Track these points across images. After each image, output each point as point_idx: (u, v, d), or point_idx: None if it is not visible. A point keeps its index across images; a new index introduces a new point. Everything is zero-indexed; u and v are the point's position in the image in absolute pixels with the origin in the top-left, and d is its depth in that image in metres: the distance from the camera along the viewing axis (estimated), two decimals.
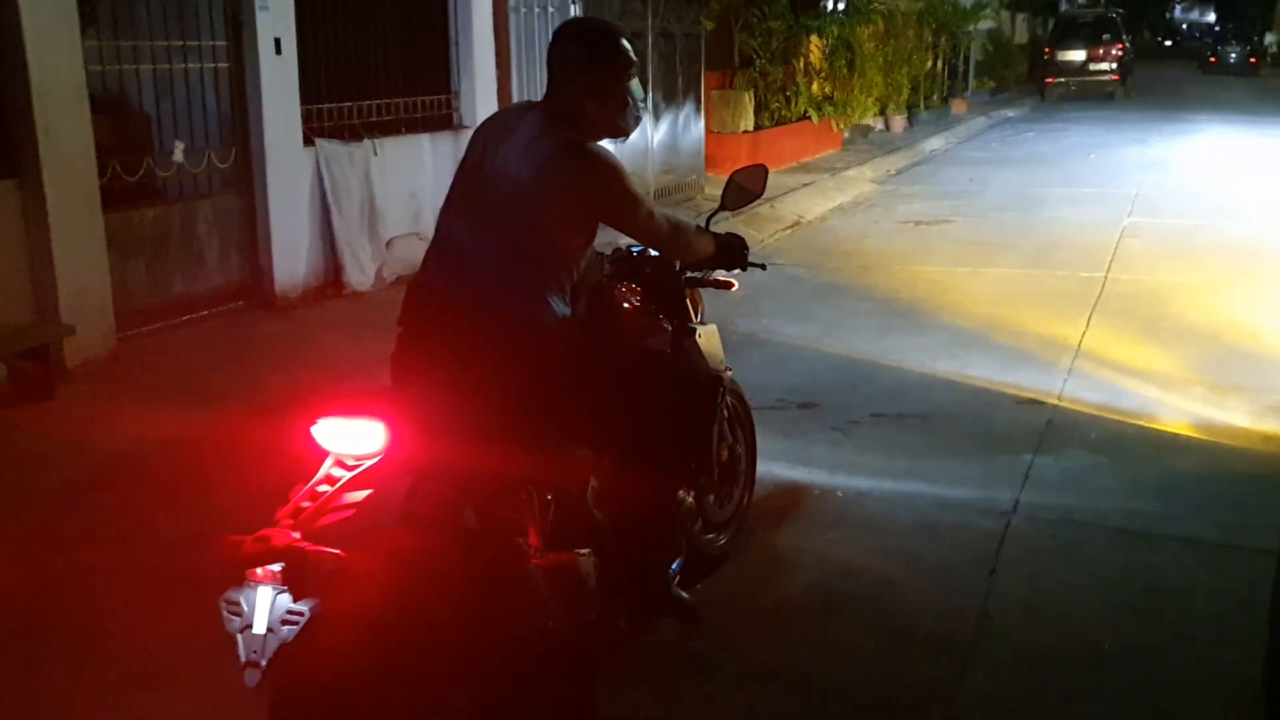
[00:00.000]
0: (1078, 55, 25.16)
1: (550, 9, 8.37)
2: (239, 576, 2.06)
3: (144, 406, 4.91)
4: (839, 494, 4.19)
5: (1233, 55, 37.38)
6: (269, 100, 6.41)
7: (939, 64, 20.94)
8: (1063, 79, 25.46)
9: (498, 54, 8.45)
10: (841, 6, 13.83)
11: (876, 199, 11.63)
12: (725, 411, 3.44)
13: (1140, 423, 4.89)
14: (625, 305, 3.13)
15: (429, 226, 7.75)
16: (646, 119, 9.51)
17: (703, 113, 10.71)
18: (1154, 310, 6.75)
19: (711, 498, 3.43)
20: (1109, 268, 7.91)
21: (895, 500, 4.14)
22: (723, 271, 3.33)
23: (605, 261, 3.12)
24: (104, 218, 5.54)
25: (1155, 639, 3.19)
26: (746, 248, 3.26)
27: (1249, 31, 43.26)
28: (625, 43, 2.84)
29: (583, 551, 2.71)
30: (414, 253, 7.54)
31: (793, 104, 13.38)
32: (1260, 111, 21.88)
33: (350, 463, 2.25)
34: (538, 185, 2.64)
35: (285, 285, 6.68)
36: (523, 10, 8.46)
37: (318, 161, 6.83)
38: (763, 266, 3.45)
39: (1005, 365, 5.71)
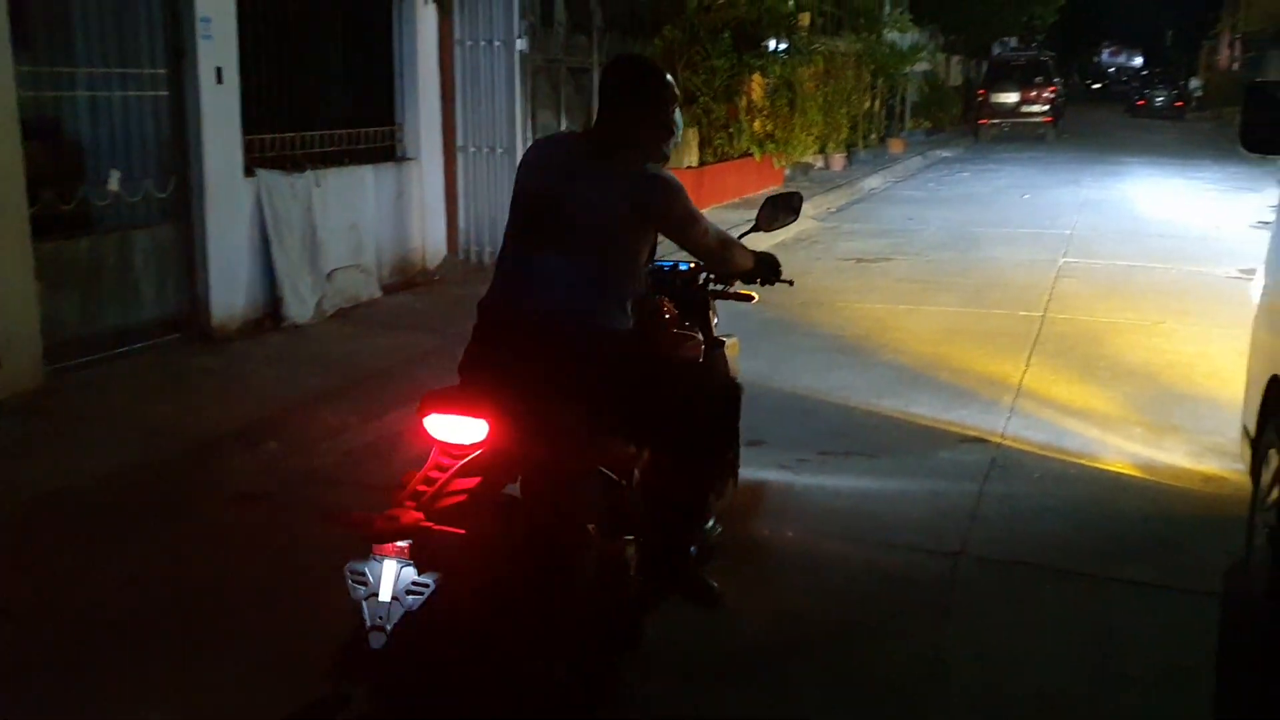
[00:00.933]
0: (1011, 97, 25.78)
1: (496, 42, 8.35)
2: (363, 550, 2.28)
3: (70, 442, 4.75)
4: (789, 534, 4.17)
5: (1159, 99, 38.60)
6: (209, 130, 6.29)
7: (877, 104, 21.31)
8: (996, 120, 26.06)
9: (443, 87, 8.42)
10: (783, 46, 13.99)
11: (818, 236, 11.75)
12: None
13: (1083, 462, 4.94)
14: (666, 316, 3.33)
15: (372, 258, 7.75)
16: None
17: None
18: (1091, 350, 6.86)
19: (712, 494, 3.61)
20: (1046, 307, 8.04)
21: (845, 540, 4.12)
22: (742, 285, 3.63)
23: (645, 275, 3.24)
24: (34, 247, 5.37)
25: (1105, 684, 3.20)
26: (779, 265, 3.57)
27: (1175, 76, 44.73)
28: (670, 77, 3.16)
29: (628, 539, 2.96)
30: (355, 285, 7.47)
31: (735, 141, 13.49)
32: (1187, 155, 22.56)
33: (456, 452, 2.52)
34: (619, 209, 2.91)
35: (223, 317, 6.53)
36: (468, 44, 8.43)
37: (258, 192, 6.72)
38: (790, 283, 3.69)
39: (949, 403, 5.76)
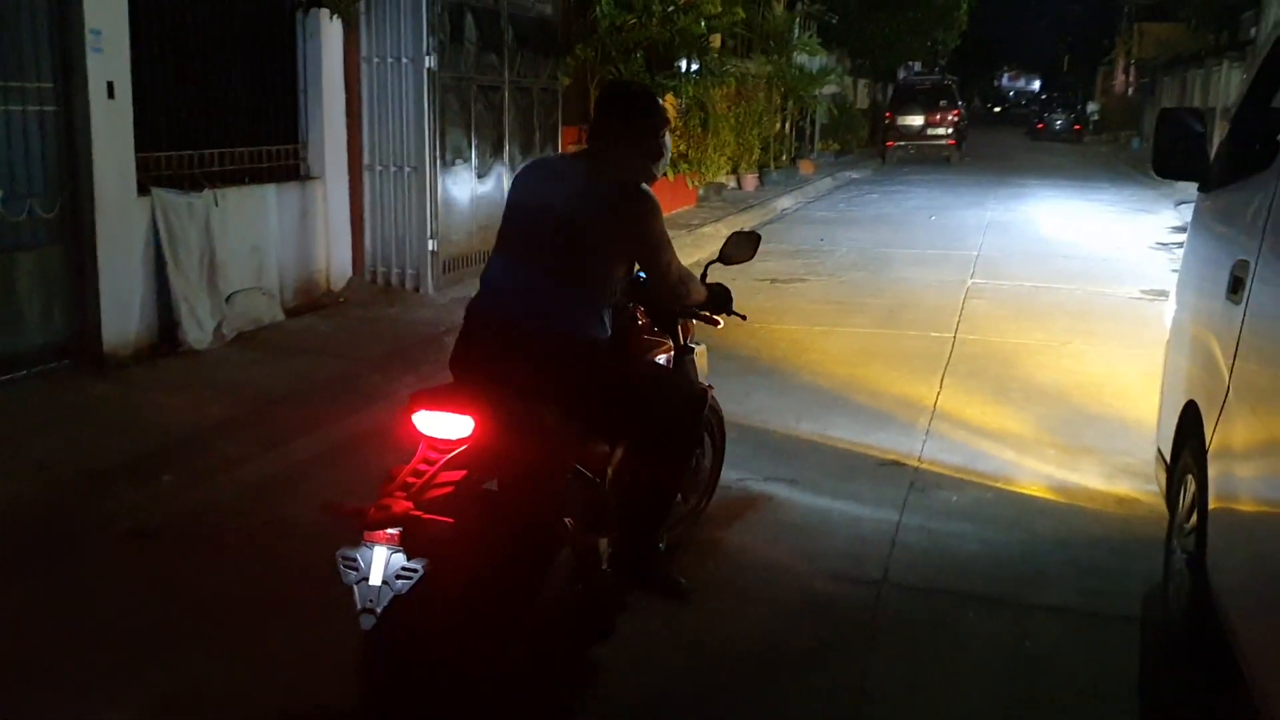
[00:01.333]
0: (916, 120, 26.28)
1: (404, 60, 8.16)
2: (355, 538, 2.47)
3: None
4: (710, 565, 4.06)
5: (1058, 123, 39.78)
6: (100, 147, 6.00)
7: (787, 126, 21.52)
8: (902, 143, 26.54)
9: (349, 104, 8.21)
10: (695, 67, 14.01)
11: None
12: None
13: (999, 485, 4.94)
14: (639, 323, 3.62)
15: (274, 280, 7.48)
16: (503, 172, 9.38)
17: None
18: (1003, 371, 6.92)
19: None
20: (957, 328, 8.11)
21: (767, 570, 4.04)
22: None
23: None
24: None
25: (1030, 711, 3.16)
26: (730, 299, 3.97)
27: (1073, 101, 46.12)
28: (660, 102, 3.38)
29: (601, 535, 3.23)
30: (257, 308, 7.20)
31: None
32: (1086, 177, 23.23)
33: (442, 447, 2.71)
34: (602, 220, 3.12)
35: (115, 343, 6.23)
36: (375, 61, 8.23)
37: (153, 212, 6.44)
38: (743, 317, 4.10)
39: (866, 426, 5.73)
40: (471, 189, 8.94)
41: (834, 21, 25.09)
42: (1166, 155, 3.75)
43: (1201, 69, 26.81)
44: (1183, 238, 13.64)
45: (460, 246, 8.81)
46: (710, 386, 4.02)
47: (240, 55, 7.35)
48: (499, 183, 9.33)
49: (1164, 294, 9.66)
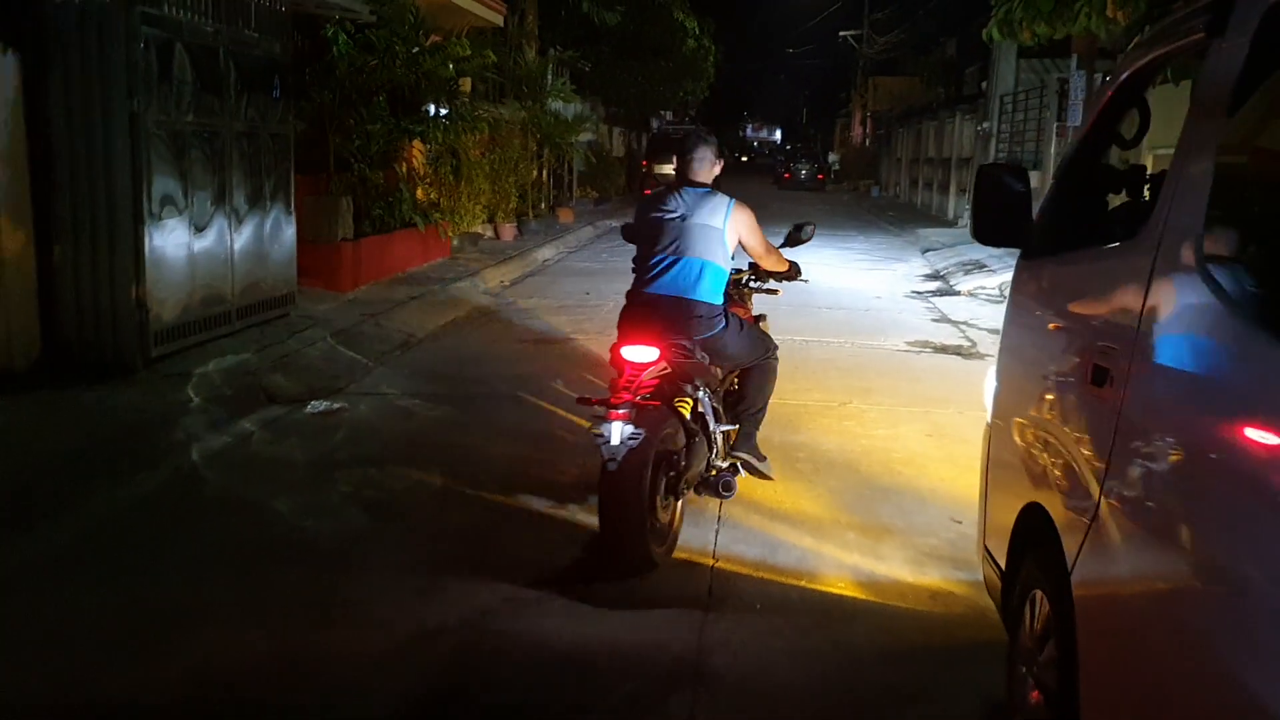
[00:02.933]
0: (672, 169, 26.34)
1: (103, 103, 6.96)
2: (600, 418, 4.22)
3: None
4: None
5: (803, 172, 41.32)
6: None
7: (545, 174, 21.02)
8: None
9: (31, 156, 6.93)
10: (445, 112, 13.22)
11: (493, 313, 10.97)
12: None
13: (803, 584, 4.37)
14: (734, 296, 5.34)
15: None
16: (227, 226, 8.27)
17: (294, 220, 9.54)
18: (787, 437, 6.44)
19: None
20: None
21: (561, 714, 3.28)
22: (773, 283, 5.69)
23: None
24: None
25: None
26: (800, 270, 5.66)
27: (816, 151, 48.19)
28: (713, 135, 5.45)
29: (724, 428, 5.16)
30: None
31: (397, 211, 12.49)
32: (834, 225, 23.87)
33: (639, 369, 4.44)
34: (716, 222, 4.83)
35: None
36: (67, 104, 6.99)
37: None
38: (806, 280, 5.84)
39: None
40: (189, 246, 7.78)
41: (587, 69, 24.89)
42: (986, 218, 3.28)
43: (935, 120, 28.26)
44: (935, 285, 14.04)
45: (177, 311, 7.61)
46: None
47: None
48: (222, 237, 8.22)
49: (929, 346, 9.61)
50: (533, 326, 10.18)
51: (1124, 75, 2.95)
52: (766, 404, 5.26)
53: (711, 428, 4.94)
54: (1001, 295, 12.75)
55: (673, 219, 4.80)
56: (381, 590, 4.26)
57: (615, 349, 4.53)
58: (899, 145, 34.79)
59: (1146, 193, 3.13)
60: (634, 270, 5.01)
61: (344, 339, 8.77)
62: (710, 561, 4.57)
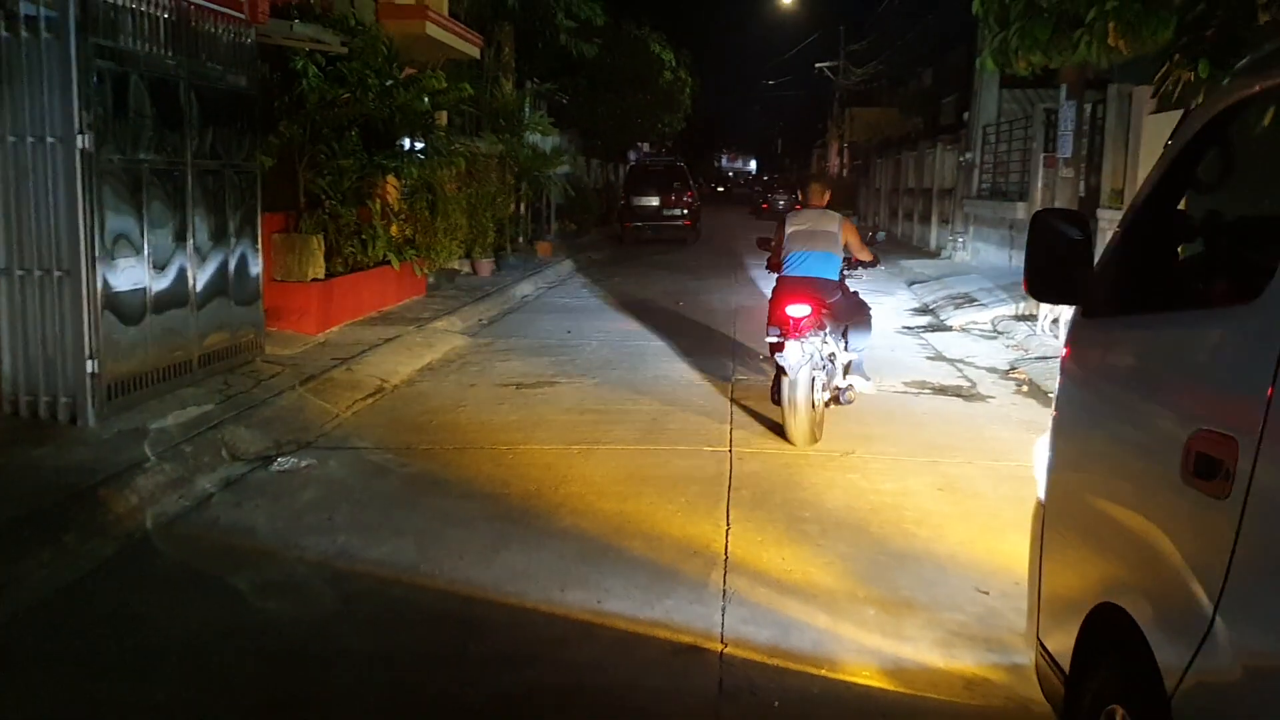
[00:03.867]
0: (652, 201, 26.06)
1: (50, 139, 6.47)
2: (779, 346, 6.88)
3: None
4: None
5: (781, 202, 41.08)
6: None
7: (523, 207, 20.62)
8: (639, 223, 26.24)
9: None
10: (419, 146, 12.78)
11: (470, 355, 10.50)
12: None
13: (823, 673, 3.92)
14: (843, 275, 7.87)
15: None
16: (187, 265, 7.79)
17: (261, 260, 9.06)
18: (790, 495, 6.01)
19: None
20: (731, 440, 7.20)
21: None
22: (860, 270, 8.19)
23: None
24: None
25: None
26: (880, 259, 8.45)
27: (793, 182, 48.05)
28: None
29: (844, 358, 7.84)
30: None
31: (370, 248, 12.02)
32: None
33: (798, 318, 7.02)
34: (835, 229, 7.62)
35: None
36: (10, 140, 6.52)
37: None
38: (882, 268, 9.58)
39: (649, 591, 4.61)
40: (146, 291, 7.30)
41: (564, 101, 24.55)
42: (1040, 271, 2.86)
43: (914, 151, 28.07)
44: (926, 320, 13.66)
45: (133, 363, 7.11)
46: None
47: None
48: (182, 278, 7.73)
49: (927, 387, 9.20)
50: (513, 369, 9.72)
51: (1214, 111, 2.54)
52: (866, 344, 7.96)
53: (837, 358, 7.47)
54: (995, 331, 12.40)
55: (804, 229, 7.61)
56: (349, 692, 3.78)
57: (779, 308, 7.07)
58: (877, 175, 34.59)
59: (1232, 243, 2.71)
60: (772, 265, 7.92)
61: (313, 387, 8.29)
62: (718, 647, 4.10)
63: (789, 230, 7.68)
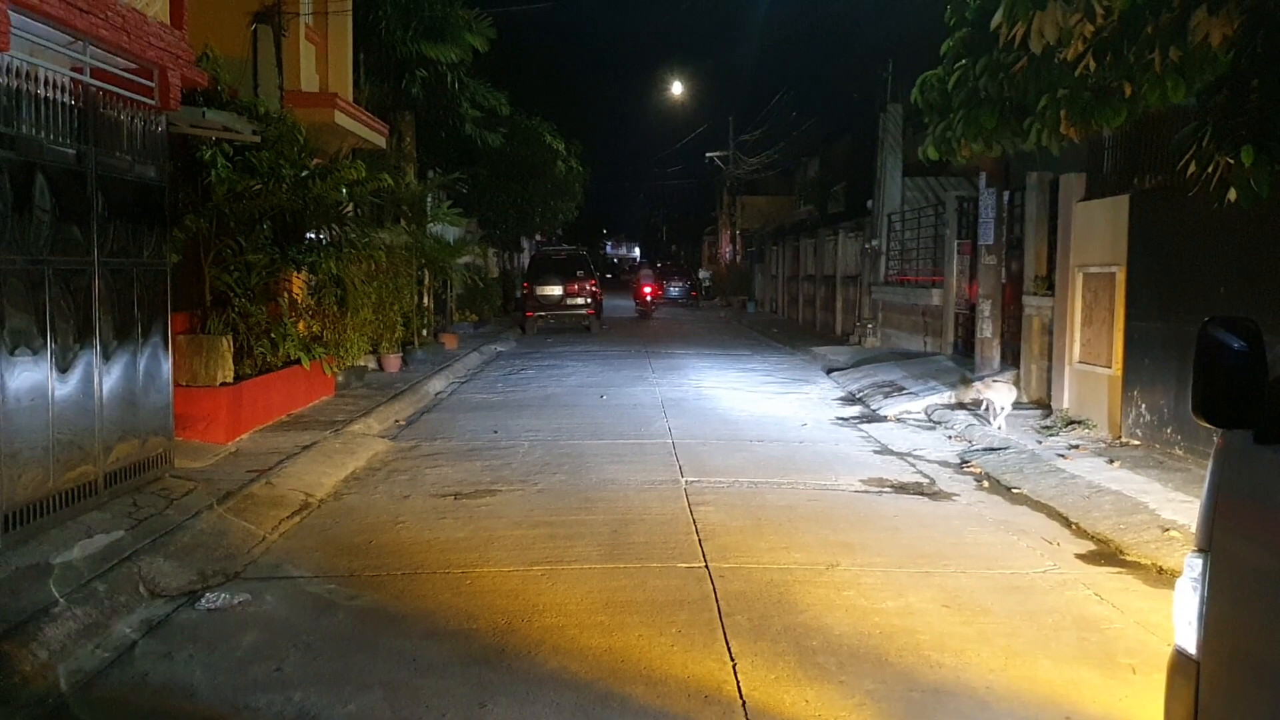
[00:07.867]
0: (555, 290, 25.64)
1: None
2: None
3: None
4: None
5: (675, 289, 41.17)
6: None
7: (426, 299, 19.96)
8: (542, 313, 25.77)
9: None
10: (328, 239, 12.12)
11: (396, 461, 9.76)
12: None
13: None
14: None
15: None
16: (96, 363, 6.98)
17: (169, 363, 8.26)
18: (790, 620, 5.49)
19: None
20: (704, 554, 6.66)
21: None
22: None
23: None
24: None
25: None
26: None
27: (687, 269, 48.32)
28: None
29: None
30: None
31: (280, 348, 11.23)
32: (723, 344, 23.41)
33: None
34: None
35: None
36: None
37: None
38: None
39: None
40: (48, 397, 6.48)
41: (465, 191, 24.08)
42: (1210, 391, 2.46)
43: (813, 238, 28.34)
44: (858, 410, 13.41)
45: (34, 480, 6.25)
46: None
47: None
48: (87, 381, 6.92)
49: (887, 485, 8.83)
50: (446, 476, 9.03)
51: None
52: None
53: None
54: (931, 421, 12.19)
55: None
56: None
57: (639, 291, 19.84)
58: (773, 261, 34.91)
59: None
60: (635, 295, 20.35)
61: (233, 505, 7.47)
62: None
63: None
